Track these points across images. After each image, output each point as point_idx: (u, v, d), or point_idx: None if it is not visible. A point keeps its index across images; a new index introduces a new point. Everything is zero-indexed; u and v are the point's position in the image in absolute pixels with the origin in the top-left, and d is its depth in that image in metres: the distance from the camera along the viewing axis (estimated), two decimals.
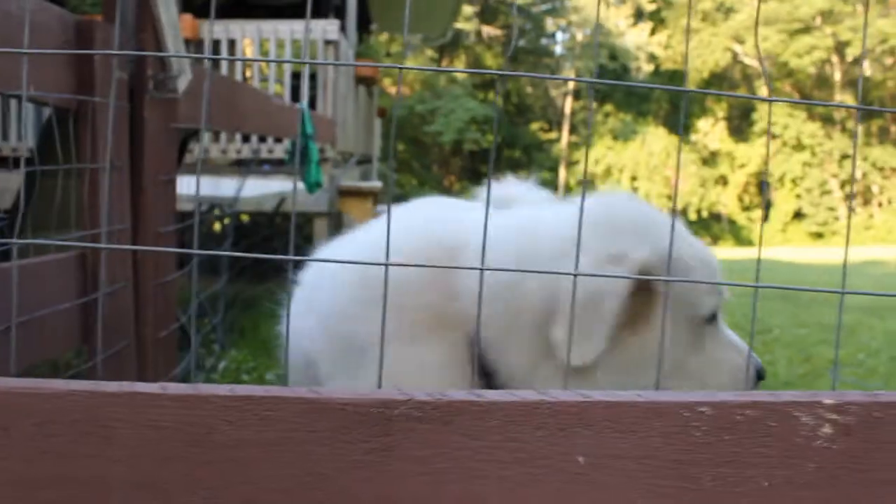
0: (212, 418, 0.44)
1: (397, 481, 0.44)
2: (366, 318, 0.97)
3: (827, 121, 24.50)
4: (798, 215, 24.38)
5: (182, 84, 1.56)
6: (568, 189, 24.10)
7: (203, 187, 3.60)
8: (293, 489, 0.44)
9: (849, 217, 0.70)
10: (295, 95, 6.24)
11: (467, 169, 22.17)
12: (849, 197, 24.87)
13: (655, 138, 24.65)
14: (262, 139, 5.68)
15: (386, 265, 0.59)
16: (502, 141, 22.71)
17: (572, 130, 25.34)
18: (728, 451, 0.45)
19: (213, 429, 0.44)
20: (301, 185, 3.92)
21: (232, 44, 6.25)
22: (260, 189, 4.85)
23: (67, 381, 0.45)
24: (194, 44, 5.88)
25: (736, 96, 0.84)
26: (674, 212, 0.76)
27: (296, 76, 6.61)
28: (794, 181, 24.29)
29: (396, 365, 0.78)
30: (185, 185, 1.97)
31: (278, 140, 5.64)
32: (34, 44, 1.21)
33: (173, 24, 1.57)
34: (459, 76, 21.89)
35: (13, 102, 3.22)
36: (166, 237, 1.58)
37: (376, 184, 7.82)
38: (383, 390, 0.46)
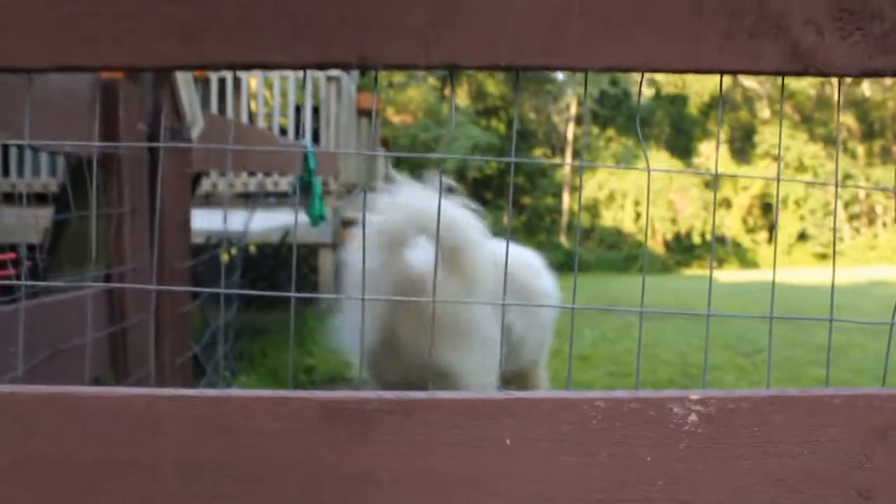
0: (232, 413, 0.59)
1: (373, 458, 0.59)
2: None
3: (828, 142, 24.67)
4: (802, 237, 24.48)
5: (195, 133, 1.72)
6: (571, 214, 24.27)
7: (211, 221, 3.76)
8: (294, 465, 0.59)
9: (834, 244, 0.84)
10: (299, 129, 6.44)
11: (472, 196, 22.36)
12: (833, 214, 24.92)
13: (657, 162, 24.83)
14: (268, 173, 5.86)
15: (363, 299, 0.74)
16: (505, 167, 22.90)
17: (575, 156, 25.53)
18: (619, 434, 0.60)
19: (233, 421, 0.59)
20: (305, 219, 4.08)
21: (238, 82, 6.46)
22: (266, 221, 5.02)
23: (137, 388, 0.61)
24: (202, 83, 6.08)
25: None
26: (646, 235, 0.91)
27: (299, 110, 6.81)
28: (797, 203, 24.42)
29: None
30: (197, 219, 2.12)
31: (282, 174, 5.82)
32: (67, 102, 1.38)
33: (186, 78, 1.74)
34: (461, 103, 22.16)
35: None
36: (182, 272, 1.74)
37: None
38: (360, 392, 0.61)
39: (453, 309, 1.80)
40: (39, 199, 3.74)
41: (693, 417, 0.59)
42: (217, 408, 0.59)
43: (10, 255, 1.45)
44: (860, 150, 24.98)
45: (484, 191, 21.88)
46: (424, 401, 0.60)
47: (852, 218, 24.98)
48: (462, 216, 1.91)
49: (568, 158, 25.32)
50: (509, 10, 0.57)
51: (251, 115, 6.54)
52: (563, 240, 23.34)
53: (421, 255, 1.70)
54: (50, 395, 0.59)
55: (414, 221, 1.78)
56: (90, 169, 1.59)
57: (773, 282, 0.77)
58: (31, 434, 0.60)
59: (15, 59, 0.60)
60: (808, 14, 0.59)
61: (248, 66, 0.58)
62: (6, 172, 3.72)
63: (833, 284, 0.84)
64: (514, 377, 2.41)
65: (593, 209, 24.37)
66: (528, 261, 2.54)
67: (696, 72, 0.59)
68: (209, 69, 0.57)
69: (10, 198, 3.21)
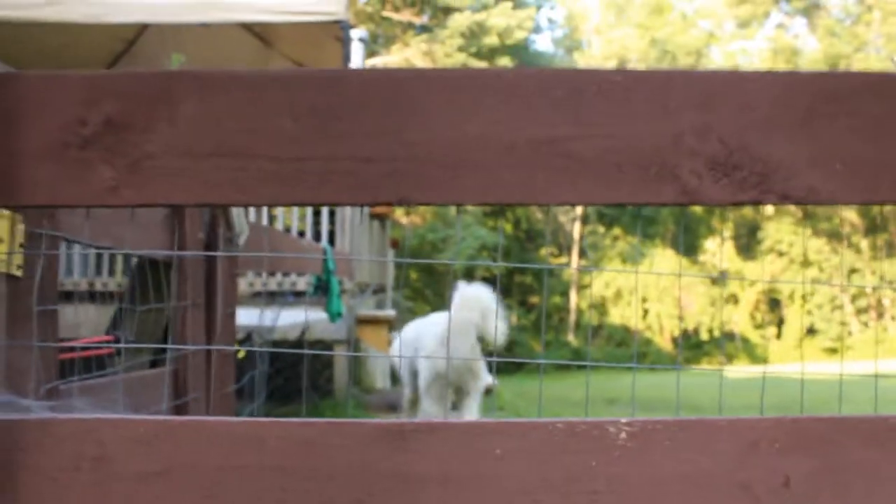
0: (315, 434, 0.88)
1: (408, 464, 0.88)
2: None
3: (832, 236, 25.07)
4: (811, 331, 24.59)
5: (242, 240, 2.05)
6: (579, 312, 24.51)
7: (240, 316, 4.08)
8: (354, 468, 0.88)
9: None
10: (315, 231, 6.83)
11: None
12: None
13: (663, 259, 25.21)
14: (286, 274, 6.22)
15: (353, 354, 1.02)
16: (513, 267, 23.26)
17: (581, 254, 25.95)
18: (573, 447, 0.88)
19: (315, 439, 0.88)
20: (324, 315, 4.38)
21: None
22: (285, 319, 5.34)
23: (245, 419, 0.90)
24: None
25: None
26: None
27: (316, 213, 7.22)
28: (803, 297, 24.64)
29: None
30: None
31: (300, 274, 6.16)
32: (147, 217, 1.71)
33: None
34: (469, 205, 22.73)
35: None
36: (230, 357, 2.03)
37: (390, 312, 8.29)
38: (400, 419, 0.90)
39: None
40: (91, 296, 4.10)
41: (623, 435, 0.88)
42: (304, 430, 0.88)
43: (108, 337, 1.75)
44: (864, 244, 25.39)
45: (493, 289, 22.06)
46: (443, 423, 0.88)
47: (860, 312, 25.14)
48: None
49: (574, 257, 25.73)
50: (498, 167, 0.89)
51: (271, 219, 6.94)
52: (570, 338, 23.51)
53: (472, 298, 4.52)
54: (190, 421, 0.89)
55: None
56: (155, 269, 1.92)
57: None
58: (177, 448, 0.89)
59: (171, 198, 0.91)
60: (692, 167, 0.90)
61: (325, 205, 0.90)
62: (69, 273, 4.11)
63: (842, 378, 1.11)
64: None
65: (601, 307, 24.60)
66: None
67: (619, 205, 0.90)
68: (299, 205, 0.88)
69: (69, 296, 3.56)
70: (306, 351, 1.46)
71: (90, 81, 0.90)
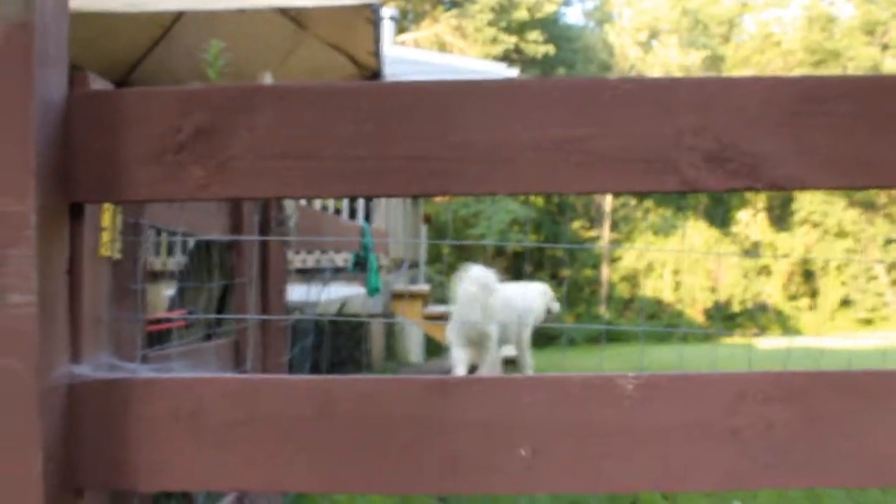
0: (374, 389, 1.07)
1: (449, 409, 1.06)
2: None
3: (868, 206, 24.83)
4: (846, 302, 24.46)
5: (293, 221, 2.23)
6: (611, 285, 24.59)
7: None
8: (408, 414, 1.06)
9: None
10: (352, 211, 7.02)
11: (511, 269, 22.85)
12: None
13: (696, 231, 25.16)
14: (324, 251, 6.44)
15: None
16: (545, 240, 23.37)
17: (613, 227, 25.96)
18: (590, 396, 1.06)
19: (376, 391, 1.07)
20: (361, 290, 4.59)
21: None
22: (325, 294, 5.56)
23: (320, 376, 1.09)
24: None
25: None
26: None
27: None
28: (838, 268, 24.48)
29: None
30: None
31: (337, 251, 6.38)
32: (206, 204, 1.90)
33: None
34: None
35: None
36: (283, 329, 2.23)
37: (424, 287, 8.49)
38: (444, 375, 1.07)
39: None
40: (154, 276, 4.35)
41: (630, 387, 1.05)
42: (364, 385, 1.06)
43: (181, 311, 1.95)
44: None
45: (524, 263, 22.24)
46: (478, 379, 1.06)
47: (895, 283, 24.94)
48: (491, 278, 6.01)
49: (606, 230, 25.74)
50: (526, 162, 1.06)
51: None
52: (602, 311, 23.61)
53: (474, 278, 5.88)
54: (270, 378, 1.08)
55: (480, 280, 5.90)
56: (209, 250, 2.12)
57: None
58: (257, 400, 1.07)
59: (252, 193, 1.09)
60: (690, 160, 1.06)
61: (380, 196, 1.07)
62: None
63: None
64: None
65: (633, 279, 24.65)
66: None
67: (628, 193, 1.07)
68: (359, 197, 1.06)
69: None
70: (370, 319, 1.64)
71: (182, 96, 1.09)
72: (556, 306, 7.13)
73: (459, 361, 6.00)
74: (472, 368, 6.29)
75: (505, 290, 6.76)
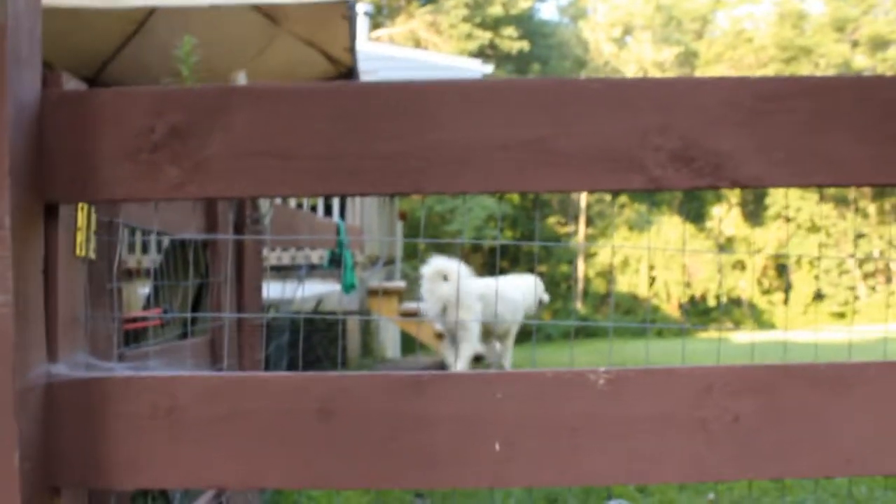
0: (353, 384, 1.09)
1: (424, 405, 1.08)
2: None
3: (840, 202, 25.13)
4: (819, 296, 24.74)
5: (267, 220, 2.24)
6: (587, 280, 24.72)
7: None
8: (385, 408, 1.08)
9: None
10: (327, 207, 7.02)
11: (488, 264, 22.90)
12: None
13: (670, 227, 25.35)
14: (300, 248, 6.43)
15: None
16: (521, 236, 23.45)
17: (589, 223, 26.10)
18: (562, 390, 1.09)
19: (354, 386, 1.09)
20: (337, 288, 4.60)
21: None
22: (300, 291, 5.56)
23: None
24: None
25: None
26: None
27: None
28: (811, 263, 24.76)
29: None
30: None
31: (312, 248, 6.38)
32: (181, 203, 1.90)
33: None
34: None
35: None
36: (258, 327, 2.24)
37: (400, 283, 8.50)
38: (420, 370, 1.09)
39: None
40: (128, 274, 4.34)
41: (601, 381, 1.08)
42: (341, 381, 1.08)
43: (157, 311, 1.95)
44: (871, 208, 25.47)
45: (501, 259, 22.28)
46: (453, 374, 1.08)
47: (867, 276, 25.29)
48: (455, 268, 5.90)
49: (581, 226, 25.87)
50: (495, 162, 1.08)
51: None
52: (578, 306, 23.73)
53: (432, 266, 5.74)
54: (248, 375, 1.09)
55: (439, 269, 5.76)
56: (185, 248, 2.12)
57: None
58: (234, 397, 1.09)
59: (228, 192, 1.11)
60: (656, 159, 1.09)
61: (355, 195, 1.09)
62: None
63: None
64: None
65: (608, 275, 24.78)
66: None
67: (591, 190, 1.09)
68: (334, 196, 1.07)
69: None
70: (354, 316, 1.65)
71: (157, 95, 1.10)
72: (546, 298, 7.16)
73: (450, 356, 6.07)
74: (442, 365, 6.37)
75: (500, 283, 6.77)
